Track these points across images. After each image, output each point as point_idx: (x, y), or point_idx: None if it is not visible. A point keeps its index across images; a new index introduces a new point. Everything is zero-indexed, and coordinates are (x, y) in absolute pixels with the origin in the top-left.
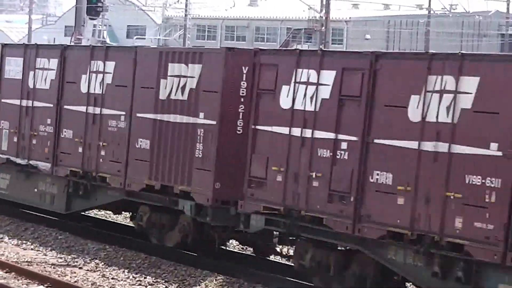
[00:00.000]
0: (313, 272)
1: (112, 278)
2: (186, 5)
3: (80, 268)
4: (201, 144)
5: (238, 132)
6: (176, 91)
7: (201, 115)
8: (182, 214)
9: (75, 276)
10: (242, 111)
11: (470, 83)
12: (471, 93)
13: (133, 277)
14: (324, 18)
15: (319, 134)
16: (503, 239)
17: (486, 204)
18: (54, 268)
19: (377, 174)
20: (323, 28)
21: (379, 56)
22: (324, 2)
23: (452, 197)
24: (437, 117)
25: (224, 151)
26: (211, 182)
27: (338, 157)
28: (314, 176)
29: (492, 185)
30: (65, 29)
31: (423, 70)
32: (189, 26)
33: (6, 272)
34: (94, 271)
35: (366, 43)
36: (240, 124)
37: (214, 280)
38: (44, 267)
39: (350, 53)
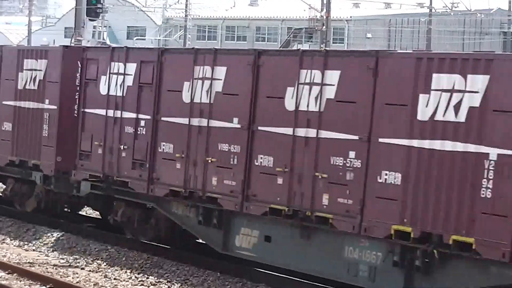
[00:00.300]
0: (124, 225)
1: (115, 279)
2: (186, 6)
3: (82, 268)
4: (47, 125)
5: (75, 115)
6: (30, 82)
7: (47, 101)
8: (36, 184)
9: (77, 277)
10: (77, 97)
11: (221, 72)
12: (220, 79)
13: (135, 277)
14: (325, 17)
15: (126, 114)
16: (241, 192)
17: (231, 166)
18: (56, 269)
19: (163, 145)
20: (324, 27)
21: (163, 51)
22: (325, 1)
23: (210, 161)
24: (200, 98)
25: (64, 131)
26: (53, 156)
27: (138, 132)
28: (122, 148)
29: (235, 151)
30: (65, 30)
31: (191, 62)
32: (189, 27)
33: (8, 273)
34: (96, 272)
35: (368, 42)
36: (76, 108)
37: (217, 279)
38: (46, 268)
39: (145, 49)
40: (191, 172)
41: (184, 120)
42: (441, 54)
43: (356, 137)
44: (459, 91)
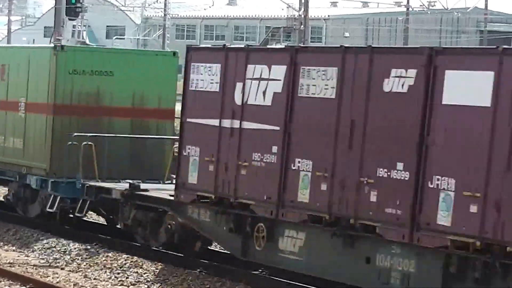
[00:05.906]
0: None
1: (94, 279)
2: (165, 5)
3: (62, 269)
4: None
5: None
6: None
7: None
8: None
9: (57, 277)
10: None
11: None
12: None
13: (115, 277)
14: (302, 16)
15: None
16: None
17: None
18: (36, 269)
19: None
20: (302, 26)
21: None
22: (303, 1)
23: None
24: None
25: None
26: None
27: None
28: None
29: None
30: (44, 30)
31: None
32: (168, 26)
33: None
34: (76, 272)
35: (345, 41)
36: None
37: (197, 279)
38: (26, 268)
39: None
40: None
41: None
42: None
43: None
44: None
